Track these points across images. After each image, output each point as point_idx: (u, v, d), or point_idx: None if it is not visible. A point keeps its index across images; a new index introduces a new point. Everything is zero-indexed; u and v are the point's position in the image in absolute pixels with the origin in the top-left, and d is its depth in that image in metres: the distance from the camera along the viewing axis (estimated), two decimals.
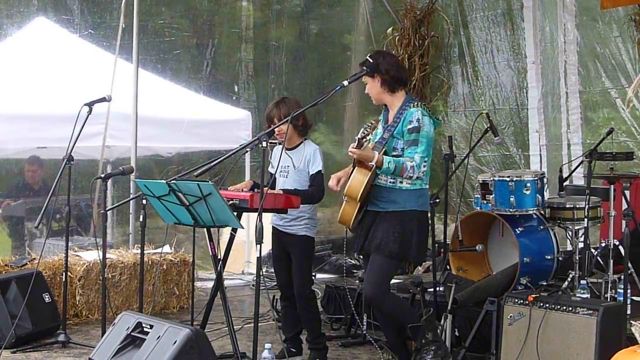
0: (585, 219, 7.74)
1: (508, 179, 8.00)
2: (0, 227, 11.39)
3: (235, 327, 6.89)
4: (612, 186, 7.94)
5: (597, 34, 10.83)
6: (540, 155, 11.32)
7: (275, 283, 7.74)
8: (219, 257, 6.86)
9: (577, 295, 7.02)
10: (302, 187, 7.12)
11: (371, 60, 6.52)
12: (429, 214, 6.73)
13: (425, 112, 6.39)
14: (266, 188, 6.39)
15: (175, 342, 5.91)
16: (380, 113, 6.79)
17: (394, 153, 6.43)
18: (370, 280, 6.52)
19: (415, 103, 6.45)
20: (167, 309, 9.62)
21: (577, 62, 10.92)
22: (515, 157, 11.77)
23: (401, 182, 6.38)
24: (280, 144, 7.11)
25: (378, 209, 6.50)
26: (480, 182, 8.45)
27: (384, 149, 6.40)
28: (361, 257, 7.43)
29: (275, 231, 7.35)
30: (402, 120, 6.40)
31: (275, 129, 6.78)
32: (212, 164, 6.36)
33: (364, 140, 6.24)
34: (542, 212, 8.15)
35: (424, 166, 6.38)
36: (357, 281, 8.78)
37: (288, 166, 7.19)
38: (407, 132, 6.35)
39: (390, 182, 6.42)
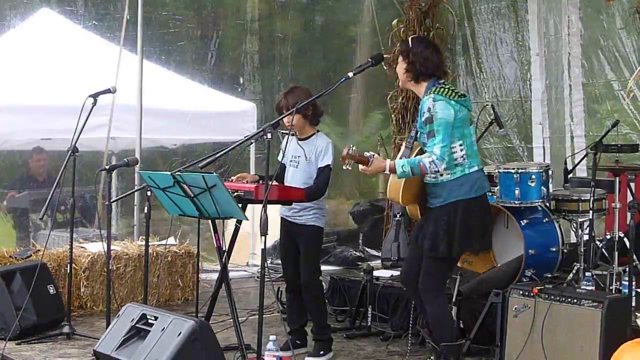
0: (590, 211, 7.73)
1: (513, 171, 7.99)
2: (5, 218, 11.43)
3: (240, 319, 6.91)
4: (617, 178, 7.92)
5: (601, 26, 10.82)
6: (544, 147, 11.31)
7: (280, 275, 7.75)
8: (223, 248, 6.87)
9: (582, 287, 7.02)
10: (311, 178, 7.09)
11: (409, 44, 6.36)
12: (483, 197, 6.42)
13: (439, 96, 6.11)
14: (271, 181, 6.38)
15: (180, 333, 5.91)
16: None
17: (425, 148, 6.21)
18: (423, 280, 6.39)
19: (432, 89, 6.21)
20: (172, 301, 9.62)
21: (581, 54, 10.90)
22: (518, 149, 11.77)
23: (441, 175, 6.18)
24: (293, 134, 7.08)
25: (430, 205, 6.33)
26: (485, 174, 8.43)
27: (415, 147, 6.31)
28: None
29: (284, 222, 7.34)
30: (420, 112, 6.28)
31: (285, 119, 6.77)
32: (217, 155, 6.37)
33: (358, 152, 6.13)
34: (547, 204, 8.14)
35: (461, 150, 6.18)
36: (361, 273, 8.77)
37: (299, 157, 7.17)
38: (423, 125, 6.18)
39: (432, 178, 6.23)
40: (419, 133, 6.31)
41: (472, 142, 6.33)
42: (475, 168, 6.30)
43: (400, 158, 6.24)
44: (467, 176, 6.24)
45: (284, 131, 7.07)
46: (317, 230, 7.25)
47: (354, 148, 6.02)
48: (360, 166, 6.13)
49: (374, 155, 6.13)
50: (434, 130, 6.08)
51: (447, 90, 6.20)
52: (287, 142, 7.22)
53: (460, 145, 6.19)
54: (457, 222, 6.19)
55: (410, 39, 6.45)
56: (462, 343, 6.78)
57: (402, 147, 6.42)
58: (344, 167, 6.06)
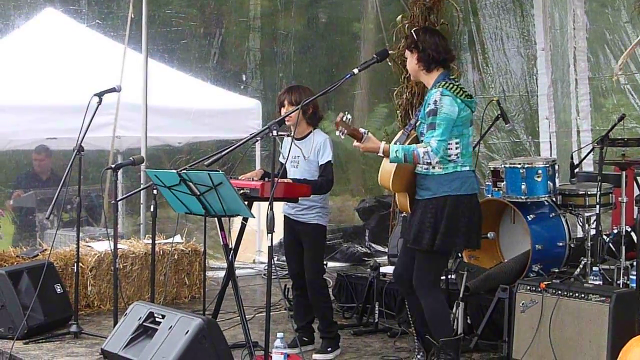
0: (597, 206, 7.71)
1: (519, 166, 7.98)
2: (11, 218, 11.42)
3: (247, 316, 6.89)
4: (623, 172, 7.89)
5: (606, 19, 10.81)
6: (550, 142, 11.29)
7: (287, 272, 7.74)
8: (230, 246, 6.86)
9: (590, 282, 7.01)
10: (313, 177, 7.10)
11: (414, 36, 6.35)
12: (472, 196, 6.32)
13: (447, 92, 6.09)
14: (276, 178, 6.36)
15: (188, 331, 5.92)
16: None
17: (422, 138, 6.19)
18: (416, 275, 6.34)
19: (441, 83, 6.18)
20: (179, 299, 9.62)
21: (587, 48, 10.88)
22: (525, 144, 11.75)
23: (433, 168, 6.15)
24: (289, 135, 7.10)
25: (418, 197, 6.28)
26: (492, 169, 8.42)
27: (412, 135, 6.29)
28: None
29: (288, 220, 7.34)
30: (425, 103, 6.25)
31: (286, 118, 6.77)
32: (223, 153, 6.34)
33: (358, 130, 6.10)
34: (553, 199, 8.12)
35: (456, 148, 6.15)
36: (368, 269, 8.77)
37: (298, 156, 7.18)
38: (426, 116, 6.15)
39: (424, 169, 6.20)
40: (419, 122, 6.30)
41: (469, 143, 6.31)
42: (468, 168, 6.28)
43: (395, 143, 6.20)
44: (458, 173, 6.20)
45: (282, 133, 7.05)
46: (320, 229, 7.25)
47: (348, 116, 6.03)
48: (354, 142, 6.09)
49: (367, 132, 6.10)
50: (436, 124, 6.06)
51: (455, 87, 6.17)
52: (289, 144, 7.19)
53: (457, 143, 6.17)
54: (443, 217, 6.14)
55: (413, 31, 6.41)
56: (460, 337, 6.75)
57: (399, 133, 6.40)
58: (337, 134, 6.05)
